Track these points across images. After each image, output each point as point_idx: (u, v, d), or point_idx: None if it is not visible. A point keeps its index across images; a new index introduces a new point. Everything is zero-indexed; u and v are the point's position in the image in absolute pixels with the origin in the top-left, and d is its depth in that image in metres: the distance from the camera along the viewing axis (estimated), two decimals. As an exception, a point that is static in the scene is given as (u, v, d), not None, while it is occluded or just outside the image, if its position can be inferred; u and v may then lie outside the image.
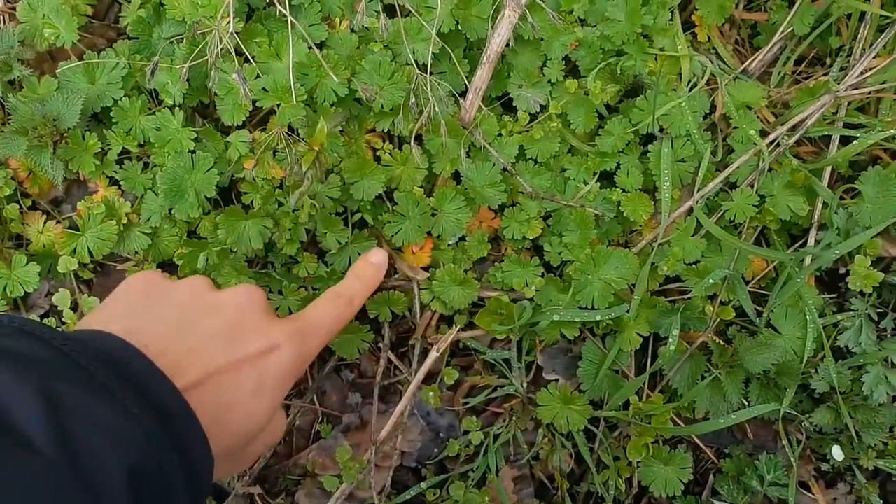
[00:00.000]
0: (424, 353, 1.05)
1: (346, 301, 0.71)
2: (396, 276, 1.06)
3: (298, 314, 0.66)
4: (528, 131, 1.06)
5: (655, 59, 1.09)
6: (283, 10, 0.90)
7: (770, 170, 1.09)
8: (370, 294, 0.73)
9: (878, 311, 1.13)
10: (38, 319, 0.99)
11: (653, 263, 1.06)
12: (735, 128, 1.10)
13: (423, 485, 1.06)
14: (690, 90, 1.08)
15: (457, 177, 1.05)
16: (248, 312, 0.61)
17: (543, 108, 1.07)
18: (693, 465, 1.09)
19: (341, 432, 1.09)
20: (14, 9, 1.01)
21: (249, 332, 0.59)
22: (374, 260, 0.76)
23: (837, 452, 1.11)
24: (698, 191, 1.08)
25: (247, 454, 0.61)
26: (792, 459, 1.10)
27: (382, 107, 0.98)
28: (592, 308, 1.04)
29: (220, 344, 0.57)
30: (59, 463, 0.38)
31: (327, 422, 1.10)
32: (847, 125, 1.12)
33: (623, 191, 1.07)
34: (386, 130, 1.03)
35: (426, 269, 1.05)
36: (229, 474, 0.63)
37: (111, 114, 0.98)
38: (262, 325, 0.61)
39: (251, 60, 0.96)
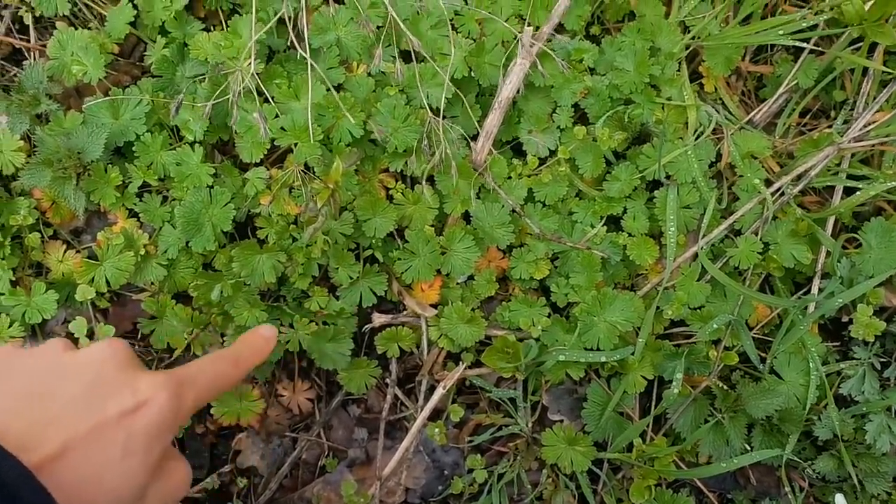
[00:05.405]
0: (431, 390, 1.06)
1: (231, 361, 0.67)
2: (405, 312, 1.08)
3: (175, 368, 0.62)
4: (536, 175, 1.08)
5: (663, 108, 1.12)
6: (304, 54, 0.94)
7: (774, 218, 1.11)
8: (257, 362, 0.71)
9: (882, 360, 1.13)
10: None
11: (658, 307, 1.08)
12: (740, 176, 1.12)
13: (426, 522, 1.07)
14: (696, 139, 1.11)
15: (467, 217, 1.08)
16: (110, 369, 0.57)
17: (552, 152, 1.10)
18: (696, 509, 1.09)
19: (346, 467, 1.09)
20: (44, 45, 1.05)
21: (112, 390, 0.55)
22: (263, 332, 0.75)
23: (841, 501, 1.10)
24: (703, 237, 1.09)
25: None
26: (795, 507, 1.10)
27: (396, 148, 1.01)
28: (598, 349, 1.05)
29: (79, 409, 0.53)
30: None
31: (333, 456, 1.10)
32: (850, 176, 1.14)
33: (629, 235, 1.10)
34: (399, 171, 1.06)
35: (434, 306, 1.07)
36: None
37: (133, 148, 1.01)
38: (127, 381, 0.56)
39: (270, 101, 0.99)
